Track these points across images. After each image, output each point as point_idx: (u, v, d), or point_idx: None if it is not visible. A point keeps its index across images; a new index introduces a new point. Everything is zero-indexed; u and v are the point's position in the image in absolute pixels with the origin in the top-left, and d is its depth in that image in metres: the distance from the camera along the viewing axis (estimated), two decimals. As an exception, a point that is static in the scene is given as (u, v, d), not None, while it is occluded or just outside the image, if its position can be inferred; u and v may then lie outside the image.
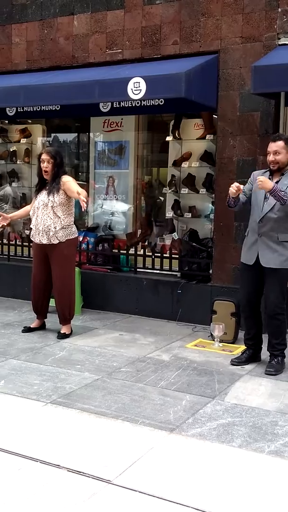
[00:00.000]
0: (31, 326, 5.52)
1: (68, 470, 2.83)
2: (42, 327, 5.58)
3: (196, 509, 2.51)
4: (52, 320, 5.57)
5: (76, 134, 8.25)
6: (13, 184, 8.06)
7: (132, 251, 6.61)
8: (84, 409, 3.61)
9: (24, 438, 3.19)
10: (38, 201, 5.24)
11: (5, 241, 7.40)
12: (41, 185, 5.31)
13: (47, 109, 6.83)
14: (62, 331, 5.36)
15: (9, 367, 4.41)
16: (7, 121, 8.10)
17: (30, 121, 8.03)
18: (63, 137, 8.28)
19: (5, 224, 5.51)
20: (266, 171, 4.53)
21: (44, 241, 5.19)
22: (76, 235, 5.40)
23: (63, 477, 2.77)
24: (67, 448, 3.09)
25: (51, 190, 5.16)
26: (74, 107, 6.60)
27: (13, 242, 7.31)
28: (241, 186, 4.39)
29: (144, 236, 7.09)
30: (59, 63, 6.67)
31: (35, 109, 6.87)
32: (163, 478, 2.78)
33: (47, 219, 5.14)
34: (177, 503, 2.55)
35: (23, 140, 7.90)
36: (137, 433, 3.30)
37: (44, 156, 5.18)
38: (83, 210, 5.10)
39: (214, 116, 6.20)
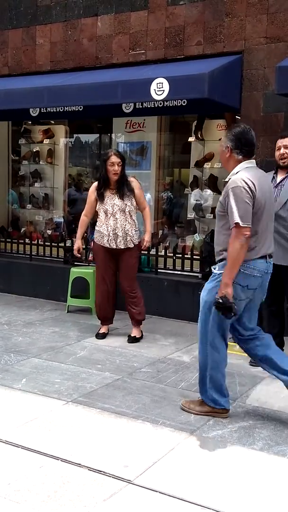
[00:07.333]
0: (105, 332, 5.40)
1: (88, 469, 2.83)
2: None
3: (216, 511, 2.50)
4: (71, 319, 5.59)
5: (98, 135, 8.29)
6: (36, 185, 8.13)
7: (153, 251, 6.61)
8: (104, 408, 3.62)
9: (45, 436, 3.21)
10: (112, 206, 5.09)
11: (27, 240, 7.46)
12: (104, 188, 5.13)
13: (70, 109, 6.85)
14: (137, 336, 5.30)
15: (31, 366, 4.44)
16: (30, 122, 8.18)
17: (53, 122, 8.09)
18: (85, 137, 8.34)
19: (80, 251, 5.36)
20: (269, 173, 4.52)
21: (122, 246, 5.12)
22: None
23: (84, 476, 2.78)
24: (87, 447, 3.09)
25: (124, 194, 5.10)
26: (97, 108, 6.63)
27: (35, 242, 7.37)
28: None
29: (165, 237, 7.08)
30: (82, 64, 6.71)
31: (58, 110, 6.90)
32: (183, 479, 2.77)
33: (126, 224, 5.11)
34: (197, 505, 2.54)
35: (46, 141, 7.97)
36: (158, 433, 3.29)
37: (115, 159, 5.04)
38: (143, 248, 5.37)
39: (237, 117, 6.17)
